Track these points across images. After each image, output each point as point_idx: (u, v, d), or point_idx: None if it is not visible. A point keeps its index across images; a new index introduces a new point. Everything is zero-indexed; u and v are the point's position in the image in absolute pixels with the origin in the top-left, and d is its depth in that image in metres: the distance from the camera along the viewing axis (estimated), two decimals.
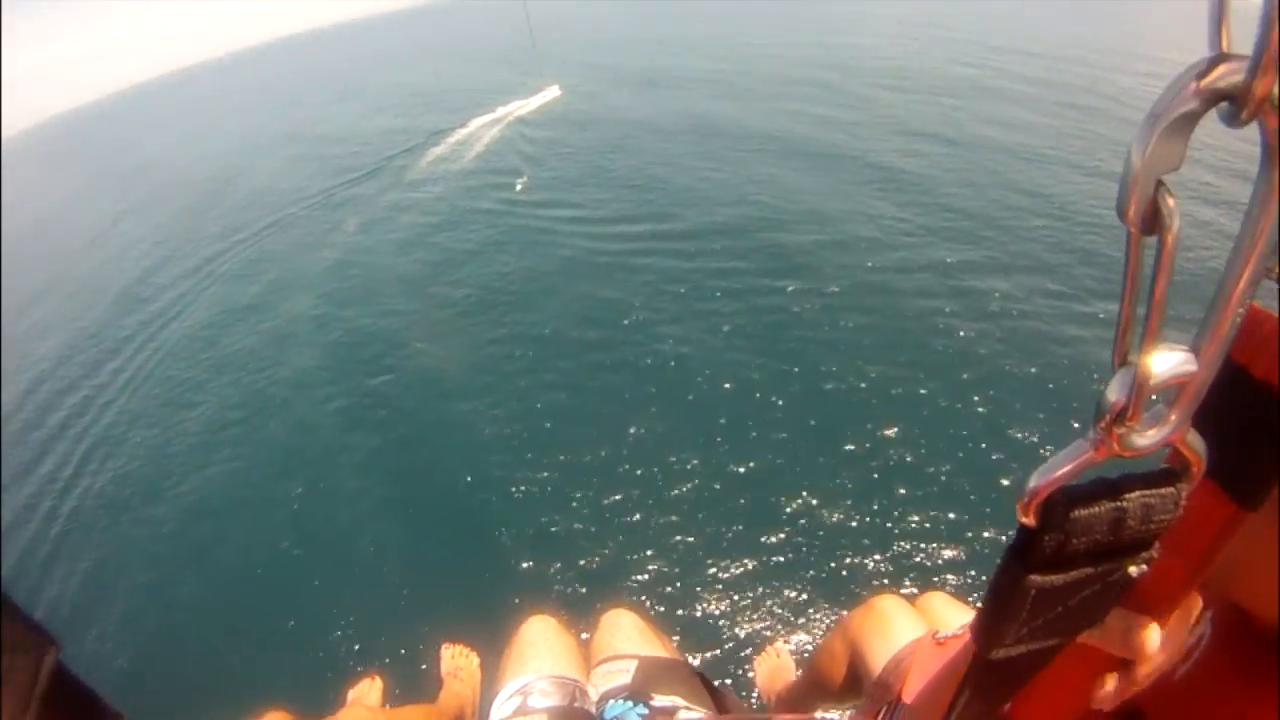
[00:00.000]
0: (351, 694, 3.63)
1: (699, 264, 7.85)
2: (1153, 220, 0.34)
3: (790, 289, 7.16)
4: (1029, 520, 0.46)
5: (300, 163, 16.54)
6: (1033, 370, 5.90)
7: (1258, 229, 0.35)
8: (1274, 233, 0.35)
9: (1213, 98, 0.32)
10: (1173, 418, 0.41)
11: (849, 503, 4.88)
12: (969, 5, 25.36)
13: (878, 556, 4.52)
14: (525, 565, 4.64)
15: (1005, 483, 4.80)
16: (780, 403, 5.84)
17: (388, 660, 4.01)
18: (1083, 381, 5.72)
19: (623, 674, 1.96)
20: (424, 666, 3.81)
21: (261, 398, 6.90)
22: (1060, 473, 0.43)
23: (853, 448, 5.30)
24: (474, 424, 5.83)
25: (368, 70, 29.80)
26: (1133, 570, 0.50)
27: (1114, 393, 0.39)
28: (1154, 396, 0.40)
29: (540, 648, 2.06)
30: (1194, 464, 0.45)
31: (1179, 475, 0.46)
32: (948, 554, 4.49)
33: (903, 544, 4.58)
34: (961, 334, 6.39)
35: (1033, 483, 0.44)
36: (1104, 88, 16.28)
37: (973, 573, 4.31)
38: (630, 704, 1.82)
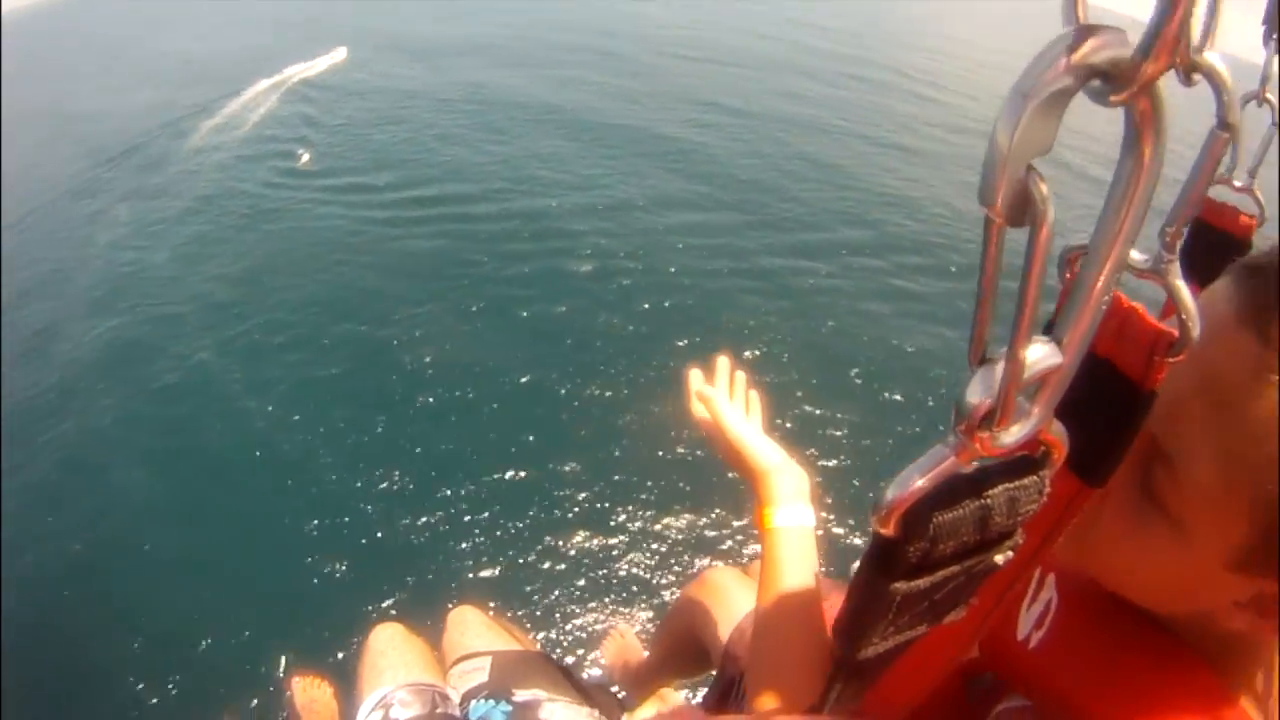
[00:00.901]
0: None
1: (487, 246, 7.56)
2: (1021, 209, 0.31)
3: (577, 269, 7.09)
4: (889, 532, 0.44)
5: (54, 145, 14.43)
6: (822, 339, 6.22)
7: (1122, 214, 0.33)
8: (1138, 219, 0.34)
9: (1087, 74, 0.29)
10: (1037, 411, 0.40)
11: (673, 485, 4.92)
12: None
13: (710, 533, 4.61)
14: (358, 578, 4.41)
15: (815, 449, 5.00)
16: (592, 383, 5.79)
17: (234, 704, 3.73)
18: (880, 357, 6.05)
19: (479, 671, 1.95)
20: (275, 705, 3.59)
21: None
22: (920, 484, 0.41)
23: (657, 426, 5.33)
24: (266, 436, 5.39)
25: (128, 38, 27.65)
26: (998, 559, 0.50)
27: (975, 394, 0.37)
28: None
29: (391, 656, 2.00)
30: (1057, 451, 0.44)
31: (1040, 462, 0.45)
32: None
33: (735, 518, 4.69)
34: (755, 308, 6.57)
35: (890, 495, 0.42)
36: (891, 62, 17.26)
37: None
38: (492, 702, 1.82)
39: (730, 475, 4.76)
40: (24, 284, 8.13)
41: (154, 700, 3.88)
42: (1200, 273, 0.68)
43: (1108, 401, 0.52)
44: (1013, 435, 0.39)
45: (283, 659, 3.84)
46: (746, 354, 5.85)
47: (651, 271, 6.87)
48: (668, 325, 6.24)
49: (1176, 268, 0.53)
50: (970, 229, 8.31)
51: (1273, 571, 0.61)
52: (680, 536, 4.58)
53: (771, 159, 10.04)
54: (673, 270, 6.87)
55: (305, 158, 10.68)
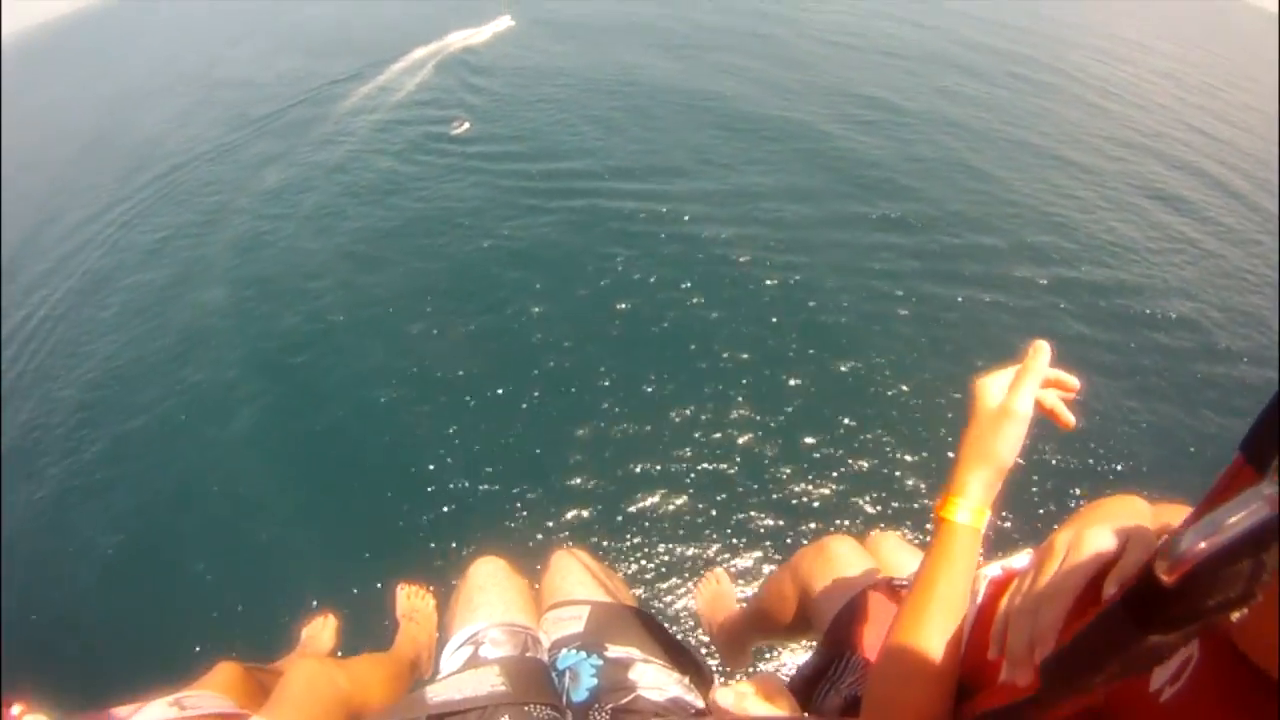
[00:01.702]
0: (305, 633, 3.61)
1: (625, 237, 7.55)
2: None
3: (720, 268, 7.05)
4: (1169, 580, 0.42)
5: (204, 108, 15.02)
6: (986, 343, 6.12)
7: None
8: None
9: None
10: None
11: (798, 437, 5.02)
12: None
13: (828, 493, 4.65)
14: (474, 503, 4.66)
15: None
16: (737, 339, 5.97)
17: (341, 598, 3.98)
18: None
19: (575, 620, 1.94)
20: (378, 606, 3.78)
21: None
22: (1231, 536, 0.40)
23: (806, 383, 5.49)
24: (417, 377, 5.76)
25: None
26: (1234, 616, 0.45)
27: None
28: None
29: (490, 592, 2.02)
30: None
31: None
32: (898, 496, 4.66)
33: (853, 482, 4.73)
34: (894, 330, 6.40)
35: (1187, 545, 0.41)
36: (1057, 62, 16.43)
37: (922, 519, 4.44)
38: (584, 654, 1.81)
39: (866, 449, 4.93)
40: (159, 241, 8.92)
41: (284, 571, 4.38)
42: None
43: None
44: None
45: (389, 566, 4.12)
46: (876, 367, 5.83)
47: (801, 280, 6.78)
48: (810, 333, 6.20)
49: None
50: (1134, 262, 7.94)
51: None
52: (800, 494, 4.62)
53: (928, 164, 9.61)
54: (825, 281, 6.78)
55: (465, 125, 10.93)
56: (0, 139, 15.30)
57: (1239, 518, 0.39)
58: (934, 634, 1.11)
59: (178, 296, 7.50)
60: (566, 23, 17.53)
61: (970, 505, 1.16)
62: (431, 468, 4.91)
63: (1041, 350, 1.20)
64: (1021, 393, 1.16)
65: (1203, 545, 0.40)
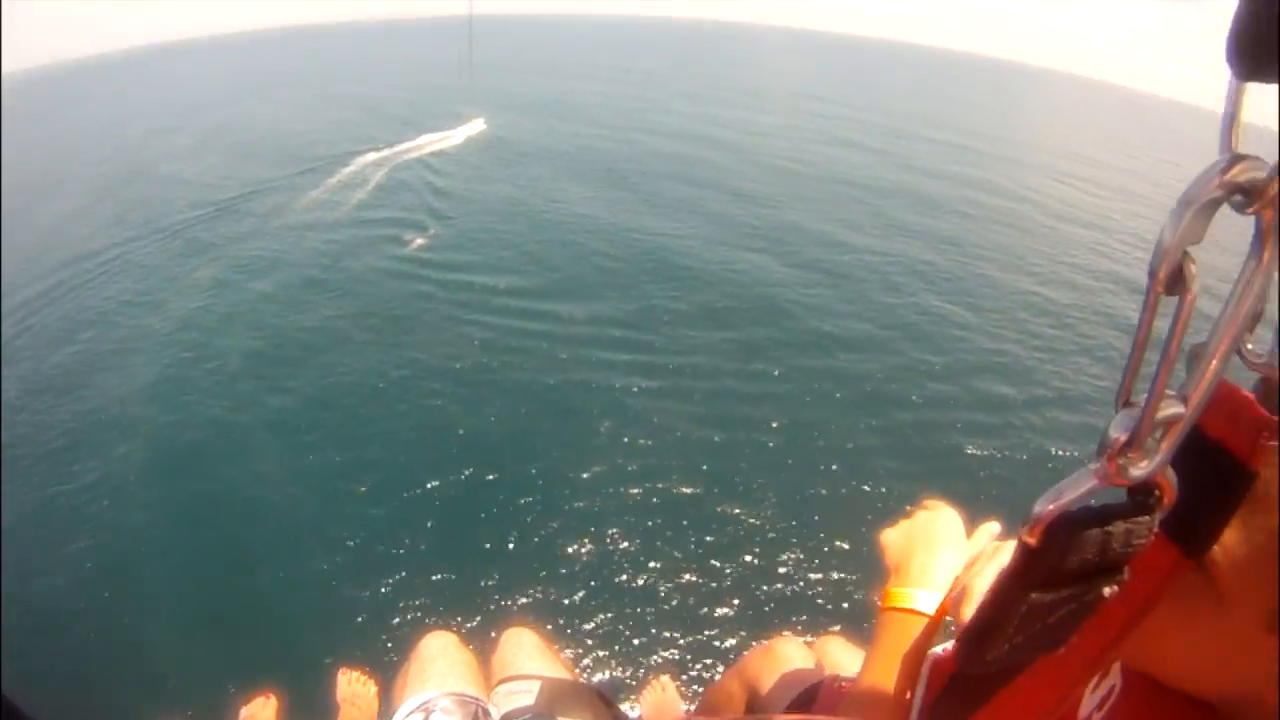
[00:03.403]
0: (244, 712, 3.46)
1: (626, 355, 7.44)
2: (1175, 282, 0.42)
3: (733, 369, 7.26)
4: (1032, 541, 0.50)
5: (170, 187, 14.00)
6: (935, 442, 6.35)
7: (1242, 301, 0.43)
8: (1254, 308, 0.43)
9: (1232, 189, 0.40)
10: (1162, 451, 0.47)
11: (750, 544, 5.01)
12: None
13: (778, 597, 4.64)
14: (423, 583, 4.59)
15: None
16: (696, 440, 6.04)
17: (283, 677, 3.76)
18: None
19: (525, 694, 1.94)
20: (319, 688, 3.61)
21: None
22: (1066, 499, 0.48)
23: (771, 491, 5.51)
24: (372, 456, 5.77)
25: (267, 82, 28.93)
26: (1106, 591, 0.55)
27: (1117, 429, 0.45)
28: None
29: (440, 664, 2.02)
30: (1167, 495, 0.51)
31: (1153, 506, 0.51)
32: (844, 599, 4.65)
33: (805, 587, 4.72)
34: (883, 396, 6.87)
35: (1038, 508, 0.49)
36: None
37: (869, 623, 4.40)
38: None
39: (812, 546, 4.97)
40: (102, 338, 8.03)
41: (227, 649, 4.16)
42: None
43: (1215, 477, 0.59)
44: (1140, 469, 0.47)
45: (333, 648, 3.97)
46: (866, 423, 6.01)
47: (742, 406, 6.77)
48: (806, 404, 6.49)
49: None
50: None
51: None
52: (746, 598, 4.59)
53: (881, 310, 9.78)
54: (770, 408, 6.75)
55: (420, 240, 10.54)
56: None
57: (1071, 486, 0.48)
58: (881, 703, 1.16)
59: (90, 389, 6.99)
60: (533, 133, 18.08)
61: (914, 592, 1.25)
62: (378, 549, 4.86)
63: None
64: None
65: (1050, 508, 0.49)
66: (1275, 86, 0.39)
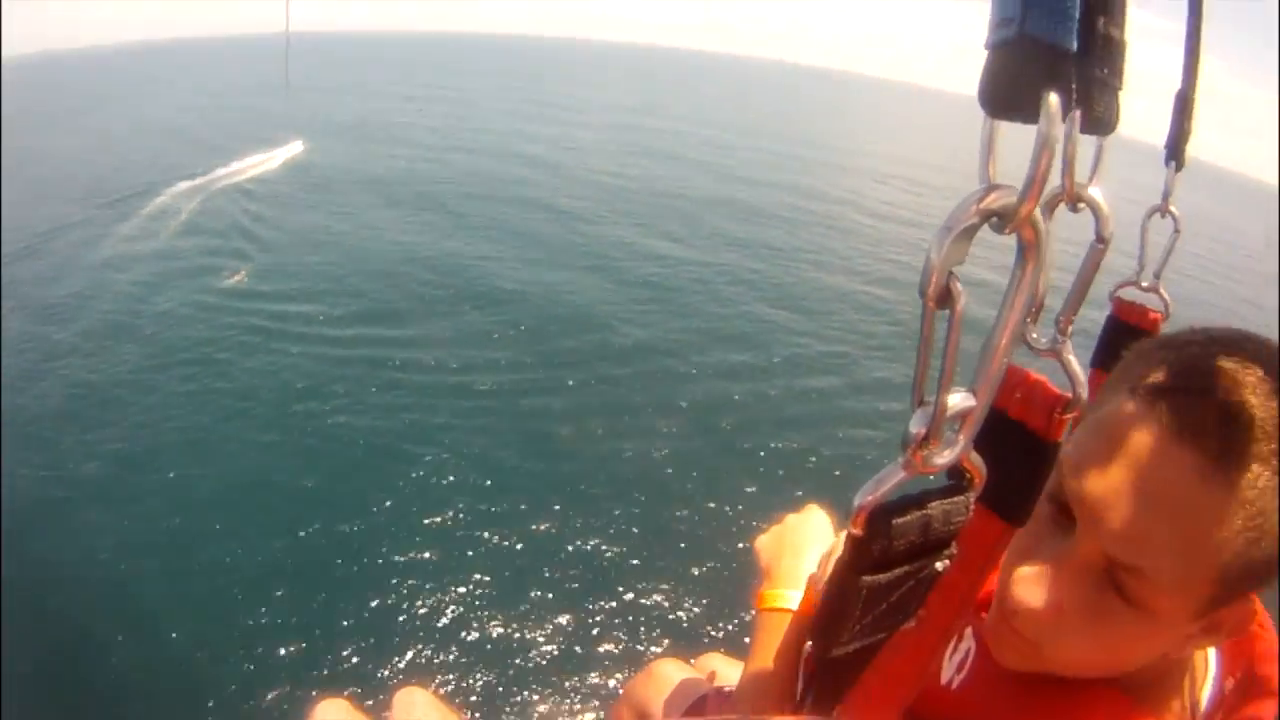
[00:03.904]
0: None
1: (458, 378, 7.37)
2: (944, 299, 0.48)
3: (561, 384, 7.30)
4: (857, 531, 0.56)
5: None
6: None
7: (1014, 305, 0.50)
8: (1026, 307, 0.50)
9: (987, 215, 0.46)
10: (960, 440, 0.53)
11: (625, 565, 5.07)
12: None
13: (655, 618, 4.70)
14: (306, 649, 4.34)
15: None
16: (540, 471, 6.01)
17: None
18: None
19: None
20: None
21: None
22: (881, 490, 0.54)
23: (634, 508, 5.59)
24: (204, 518, 5.35)
25: (77, 108, 26.96)
26: (939, 565, 0.62)
27: (916, 425, 0.51)
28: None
29: None
30: (976, 476, 0.57)
31: (965, 487, 0.58)
32: (722, 615, 4.75)
33: (679, 604, 4.80)
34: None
35: (858, 500, 0.54)
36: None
37: (746, 632, 4.48)
38: None
39: (677, 567, 5.03)
40: None
41: None
42: (1116, 362, 0.88)
43: (1022, 453, 0.69)
44: (943, 457, 0.53)
45: None
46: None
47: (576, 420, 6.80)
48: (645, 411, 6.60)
49: (1069, 346, 0.70)
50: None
51: (1232, 600, 0.77)
52: (629, 623, 4.62)
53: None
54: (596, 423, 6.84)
55: (240, 275, 9.82)
56: None
57: (885, 478, 0.54)
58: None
59: None
60: (352, 156, 17.49)
61: (784, 592, 1.32)
62: (230, 618, 4.54)
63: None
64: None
65: (869, 499, 0.54)
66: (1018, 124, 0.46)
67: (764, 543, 1.45)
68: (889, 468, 0.54)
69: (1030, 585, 0.82)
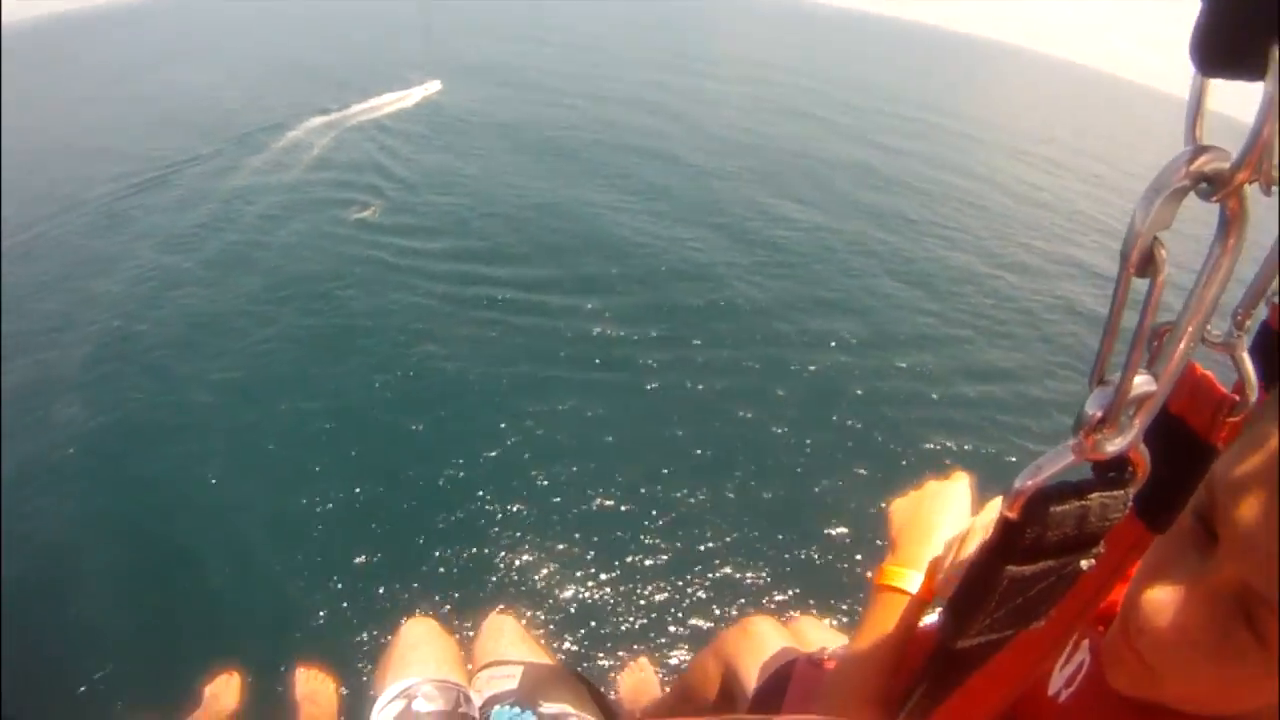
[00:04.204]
0: (208, 691, 3.46)
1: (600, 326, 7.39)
2: (1146, 266, 0.44)
3: (690, 343, 7.28)
4: (1013, 515, 0.53)
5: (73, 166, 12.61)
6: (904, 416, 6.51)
7: (1209, 284, 0.45)
8: (1219, 291, 0.46)
9: (1198, 179, 0.42)
10: (1135, 426, 0.49)
11: (726, 522, 5.06)
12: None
13: (751, 577, 4.69)
14: (403, 569, 4.54)
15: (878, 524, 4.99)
16: (669, 419, 6.07)
17: (247, 657, 3.78)
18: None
19: (508, 679, 1.96)
20: (283, 670, 3.62)
21: None
22: (1046, 474, 0.51)
23: (738, 471, 5.56)
24: (329, 438, 5.63)
25: (219, 40, 27.92)
26: (1084, 564, 0.58)
27: (1093, 406, 0.47)
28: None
29: (423, 650, 2.02)
30: (1140, 470, 0.53)
31: (1127, 480, 0.54)
32: (822, 582, 4.71)
33: (778, 567, 4.77)
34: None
35: (1019, 483, 0.52)
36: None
37: (844, 604, 4.53)
38: (517, 710, 1.83)
39: (788, 526, 5.04)
40: (20, 328, 7.18)
41: (167, 666, 3.97)
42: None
43: (1178, 452, 0.63)
44: (1115, 445, 0.49)
45: (303, 640, 3.98)
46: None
47: (727, 380, 6.82)
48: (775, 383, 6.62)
49: (1244, 342, 0.63)
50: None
51: None
52: (724, 579, 4.63)
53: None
54: (751, 382, 6.83)
55: (371, 209, 9.98)
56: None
57: (1050, 461, 0.50)
58: (869, 670, 1.16)
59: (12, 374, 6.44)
60: (493, 96, 17.63)
61: (906, 571, 1.24)
62: (342, 537, 4.78)
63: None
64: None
65: (1029, 483, 0.51)
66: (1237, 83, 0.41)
67: (898, 508, 1.36)
68: (1055, 451, 0.51)
69: (1161, 604, 0.73)
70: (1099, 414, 0.47)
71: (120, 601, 4.40)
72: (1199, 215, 0.50)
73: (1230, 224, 0.44)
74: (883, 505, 1.37)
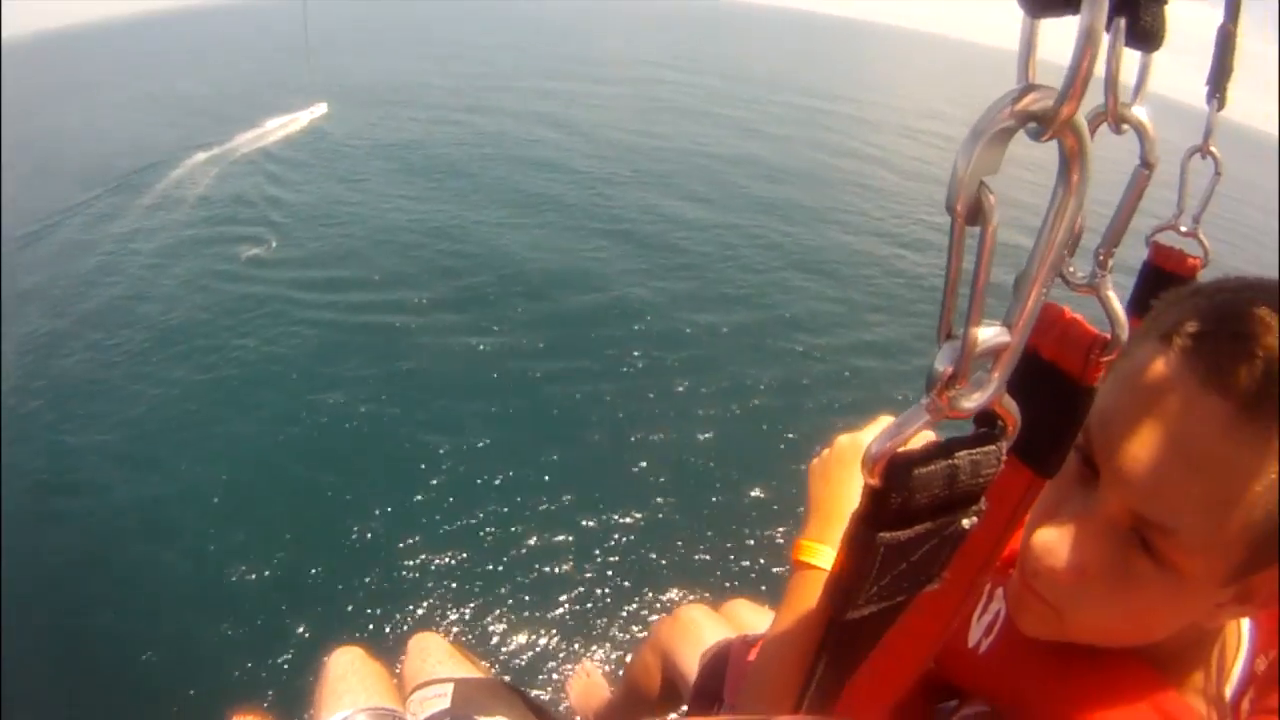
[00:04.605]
0: None
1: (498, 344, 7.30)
2: (975, 214, 0.42)
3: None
4: (875, 482, 0.51)
5: None
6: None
7: (1056, 226, 0.44)
8: (1068, 230, 0.45)
9: (1024, 118, 0.41)
10: (994, 379, 0.48)
11: (648, 518, 5.08)
12: None
13: (682, 568, 4.71)
14: (320, 600, 4.43)
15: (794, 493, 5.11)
16: (584, 425, 6.07)
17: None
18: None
19: (441, 699, 1.93)
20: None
21: None
22: (901, 436, 0.49)
23: (658, 468, 5.58)
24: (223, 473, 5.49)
25: (99, 80, 26.93)
26: (966, 523, 0.56)
27: (941, 362, 0.46)
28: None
29: (351, 680, 1.97)
30: (1010, 423, 0.53)
31: (997, 435, 0.53)
32: (748, 563, 4.77)
33: (705, 555, 4.81)
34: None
35: (875, 447, 0.50)
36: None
37: (772, 583, 4.57)
38: None
39: (711, 513, 5.10)
40: None
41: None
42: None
43: (1055, 397, 0.64)
44: (973, 400, 0.48)
45: (229, 689, 3.85)
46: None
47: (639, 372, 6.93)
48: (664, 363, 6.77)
49: (1108, 282, 0.65)
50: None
51: (1266, 566, 0.71)
52: (650, 571, 4.64)
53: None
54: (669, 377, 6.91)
55: (264, 246, 9.66)
56: None
57: (905, 421, 0.49)
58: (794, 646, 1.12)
59: None
60: (379, 116, 17.33)
61: (819, 546, 1.19)
62: (274, 571, 4.66)
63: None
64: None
65: (886, 446, 0.49)
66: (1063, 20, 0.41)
67: (814, 471, 1.29)
68: (910, 411, 0.49)
69: (1052, 545, 0.77)
70: (949, 369, 0.46)
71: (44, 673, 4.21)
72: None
73: (1071, 162, 0.43)
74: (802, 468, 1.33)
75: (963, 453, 0.53)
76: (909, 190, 14.54)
